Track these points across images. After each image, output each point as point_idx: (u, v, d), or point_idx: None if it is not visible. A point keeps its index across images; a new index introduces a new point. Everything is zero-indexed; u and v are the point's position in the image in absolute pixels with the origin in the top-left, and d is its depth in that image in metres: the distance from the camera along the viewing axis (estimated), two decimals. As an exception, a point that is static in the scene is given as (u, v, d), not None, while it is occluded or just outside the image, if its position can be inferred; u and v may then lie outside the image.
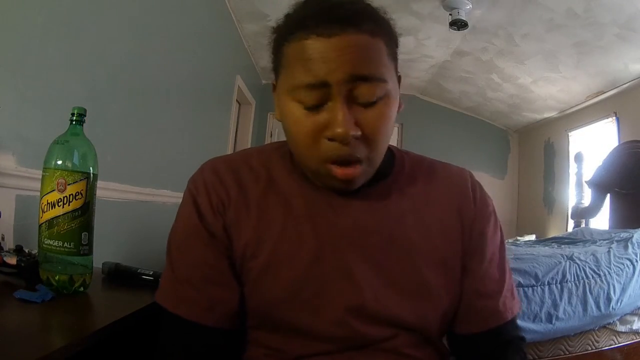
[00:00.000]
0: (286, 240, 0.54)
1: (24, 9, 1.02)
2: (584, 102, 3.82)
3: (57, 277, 0.65)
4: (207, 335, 0.53)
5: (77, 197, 0.66)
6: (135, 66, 1.57)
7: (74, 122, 0.69)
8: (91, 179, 0.69)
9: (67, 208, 0.66)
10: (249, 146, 3.71)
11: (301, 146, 0.52)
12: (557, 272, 1.80)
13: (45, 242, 0.65)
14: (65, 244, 0.65)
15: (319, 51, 0.47)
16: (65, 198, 0.66)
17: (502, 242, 0.62)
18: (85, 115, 0.71)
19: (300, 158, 0.54)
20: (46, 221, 0.66)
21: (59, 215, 0.65)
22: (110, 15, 1.39)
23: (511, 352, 0.59)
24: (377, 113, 0.49)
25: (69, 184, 0.66)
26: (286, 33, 0.51)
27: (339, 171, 0.50)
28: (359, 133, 0.48)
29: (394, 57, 0.53)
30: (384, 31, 0.51)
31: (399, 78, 0.56)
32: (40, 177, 0.68)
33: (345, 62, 0.47)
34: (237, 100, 3.44)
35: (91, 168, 0.69)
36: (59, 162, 0.67)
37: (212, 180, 0.56)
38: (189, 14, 2.16)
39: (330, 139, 0.49)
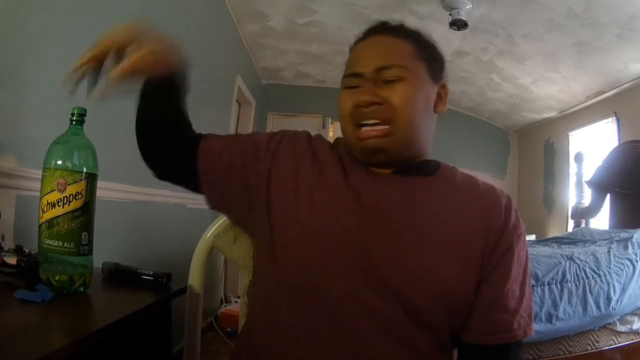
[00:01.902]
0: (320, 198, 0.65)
1: (24, 9, 1.02)
2: (584, 102, 3.82)
3: (57, 277, 0.65)
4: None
5: (77, 197, 0.66)
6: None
7: (74, 122, 0.69)
8: (91, 179, 0.69)
9: (67, 208, 0.65)
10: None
11: (342, 117, 0.66)
12: (557, 272, 1.79)
13: (45, 242, 0.65)
14: (65, 244, 0.65)
15: (358, 53, 0.67)
16: (65, 198, 0.65)
17: (526, 265, 0.64)
18: (85, 115, 0.71)
19: (342, 129, 0.67)
20: (46, 221, 0.65)
21: (59, 216, 0.65)
22: (110, 15, 1.39)
23: None
24: (397, 89, 0.62)
25: (69, 184, 0.65)
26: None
27: (363, 131, 0.63)
28: (378, 99, 0.62)
29: (424, 59, 0.66)
30: (415, 38, 0.67)
31: (441, 86, 0.69)
32: (40, 177, 0.67)
33: (372, 57, 0.64)
34: (237, 100, 3.44)
35: (91, 168, 0.69)
36: (59, 162, 0.66)
37: (301, 138, 0.73)
38: (189, 14, 2.16)
39: (357, 106, 0.63)
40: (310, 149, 0.70)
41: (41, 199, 0.66)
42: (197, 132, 0.73)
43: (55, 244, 0.65)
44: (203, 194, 0.72)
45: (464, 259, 0.59)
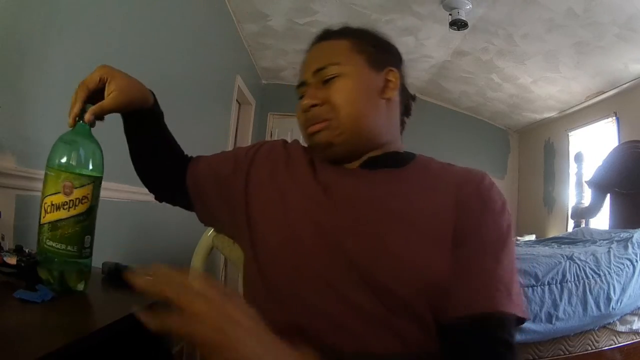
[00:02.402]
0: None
1: (24, 9, 1.02)
2: (584, 102, 3.82)
3: (57, 277, 0.65)
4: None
5: (82, 202, 0.64)
6: (135, 66, 1.57)
7: (81, 121, 0.66)
8: (97, 183, 0.67)
9: (73, 212, 0.63)
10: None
11: (299, 125, 0.70)
12: (557, 272, 1.80)
13: (48, 244, 0.64)
14: (69, 247, 0.64)
15: (303, 63, 0.72)
16: (71, 202, 0.63)
17: (505, 241, 0.60)
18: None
19: (302, 136, 0.72)
20: (49, 222, 0.63)
21: (64, 219, 0.63)
22: (110, 15, 1.39)
23: (487, 350, 0.53)
24: (335, 86, 0.66)
25: (75, 188, 0.63)
26: None
27: (310, 128, 0.67)
28: (316, 102, 0.66)
29: (362, 51, 0.68)
30: (352, 35, 0.70)
31: (388, 71, 0.70)
32: (42, 176, 0.65)
33: (312, 63, 0.69)
34: (237, 100, 3.44)
35: (99, 172, 0.67)
36: (66, 163, 0.64)
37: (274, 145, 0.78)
38: (189, 14, 2.16)
39: (304, 111, 0.68)
40: (285, 154, 0.74)
41: (44, 198, 0.64)
42: (188, 154, 0.82)
43: (58, 246, 0.63)
44: (195, 212, 0.79)
45: (436, 241, 0.58)
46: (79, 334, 0.52)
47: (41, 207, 0.64)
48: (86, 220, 0.65)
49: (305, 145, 0.75)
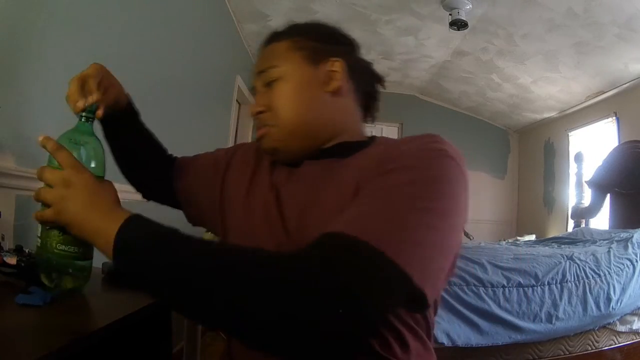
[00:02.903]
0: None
1: (24, 9, 1.02)
2: (584, 102, 3.82)
3: (57, 279, 0.64)
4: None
5: None
6: (135, 66, 1.57)
7: (83, 119, 0.63)
8: None
9: None
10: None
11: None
12: (557, 272, 1.80)
13: (51, 245, 0.61)
14: (73, 248, 0.61)
15: (252, 69, 0.71)
16: None
17: (403, 188, 0.48)
18: (96, 112, 0.64)
19: None
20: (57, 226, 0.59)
21: None
22: (110, 15, 1.39)
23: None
24: (275, 91, 0.66)
25: None
26: None
27: (257, 133, 0.68)
28: (260, 108, 0.66)
29: (300, 48, 0.67)
30: (292, 35, 0.69)
31: (330, 63, 0.67)
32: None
33: (255, 68, 0.69)
34: (237, 100, 3.44)
35: (102, 172, 0.64)
36: None
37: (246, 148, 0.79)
38: (189, 14, 2.16)
39: (253, 118, 0.69)
40: (256, 157, 0.74)
41: None
42: (185, 153, 0.83)
43: (62, 248, 0.61)
44: (183, 212, 0.80)
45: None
46: (78, 334, 0.52)
47: (43, 208, 0.61)
48: None
49: None
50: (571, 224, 3.67)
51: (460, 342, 1.58)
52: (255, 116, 0.67)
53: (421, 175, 0.49)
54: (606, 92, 3.51)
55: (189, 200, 0.78)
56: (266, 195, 0.65)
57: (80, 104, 0.62)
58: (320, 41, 0.68)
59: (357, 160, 0.60)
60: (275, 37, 0.70)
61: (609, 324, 1.90)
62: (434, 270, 0.46)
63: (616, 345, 1.93)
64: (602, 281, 1.86)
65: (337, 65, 0.66)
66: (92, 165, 0.63)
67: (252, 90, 0.71)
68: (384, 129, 4.74)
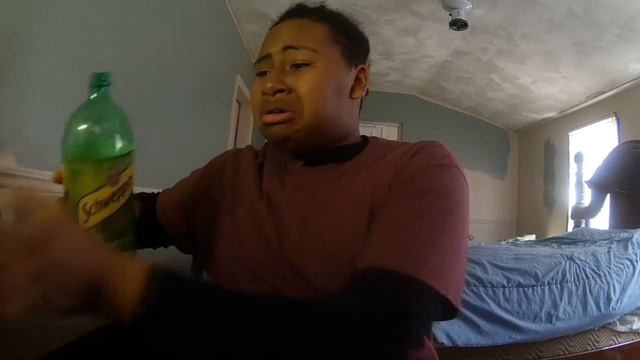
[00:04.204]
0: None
1: (24, 9, 1.02)
2: (584, 102, 3.82)
3: None
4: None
5: (129, 184, 0.51)
6: (134, 66, 1.57)
7: (98, 87, 0.51)
8: (134, 154, 0.53)
9: (122, 200, 0.50)
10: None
11: (252, 105, 0.64)
12: (557, 272, 1.80)
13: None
14: (124, 239, 0.52)
15: (269, 35, 0.65)
16: (120, 189, 0.50)
17: (435, 213, 0.51)
18: (108, 77, 0.52)
19: (254, 119, 0.65)
20: (97, 224, 0.49)
21: (116, 212, 0.49)
22: (110, 16, 1.39)
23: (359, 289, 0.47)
24: (305, 76, 0.60)
25: (121, 172, 0.50)
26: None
27: (267, 117, 0.61)
28: (283, 87, 0.59)
29: (339, 42, 0.63)
30: (332, 20, 0.64)
31: (360, 69, 0.66)
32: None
33: (281, 37, 0.62)
34: (237, 100, 3.44)
35: (132, 140, 0.52)
36: (103, 148, 0.49)
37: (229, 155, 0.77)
38: (189, 14, 2.16)
39: (264, 94, 0.60)
40: (234, 166, 0.72)
41: (81, 199, 0.48)
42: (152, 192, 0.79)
43: (113, 245, 0.50)
44: (176, 246, 0.78)
45: (354, 225, 0.54)
46: (78, 334, 0.52)
47: (80, 211, 0.49)
48: (130, 200, 0.52)
49: (256, 149, 0.74)
50: (571, 224, 3.67)
51: (460, 342, 1.58)
52: (271, 93, 0.60)
53: (447, 201, 0.53)
54: (606, 92, 3.51)
55: (179, 236, 0.76)
56: (254, 204, 0.63)
57: None
58: (354, 41, 0.66)
59: (361, 166, 0.60)
60: (309, 13, 0.65)
61: (609, 324, 1.90)
62: (461, 284, 0.52)
63: (616, 345, 1.93)
64: (602, 281, 1.86)
65: (364, 75, 0.66)
66: (125, 140, 0.50)
67: (263, 58, 0.63)
68: (384, 129, 4.74)
